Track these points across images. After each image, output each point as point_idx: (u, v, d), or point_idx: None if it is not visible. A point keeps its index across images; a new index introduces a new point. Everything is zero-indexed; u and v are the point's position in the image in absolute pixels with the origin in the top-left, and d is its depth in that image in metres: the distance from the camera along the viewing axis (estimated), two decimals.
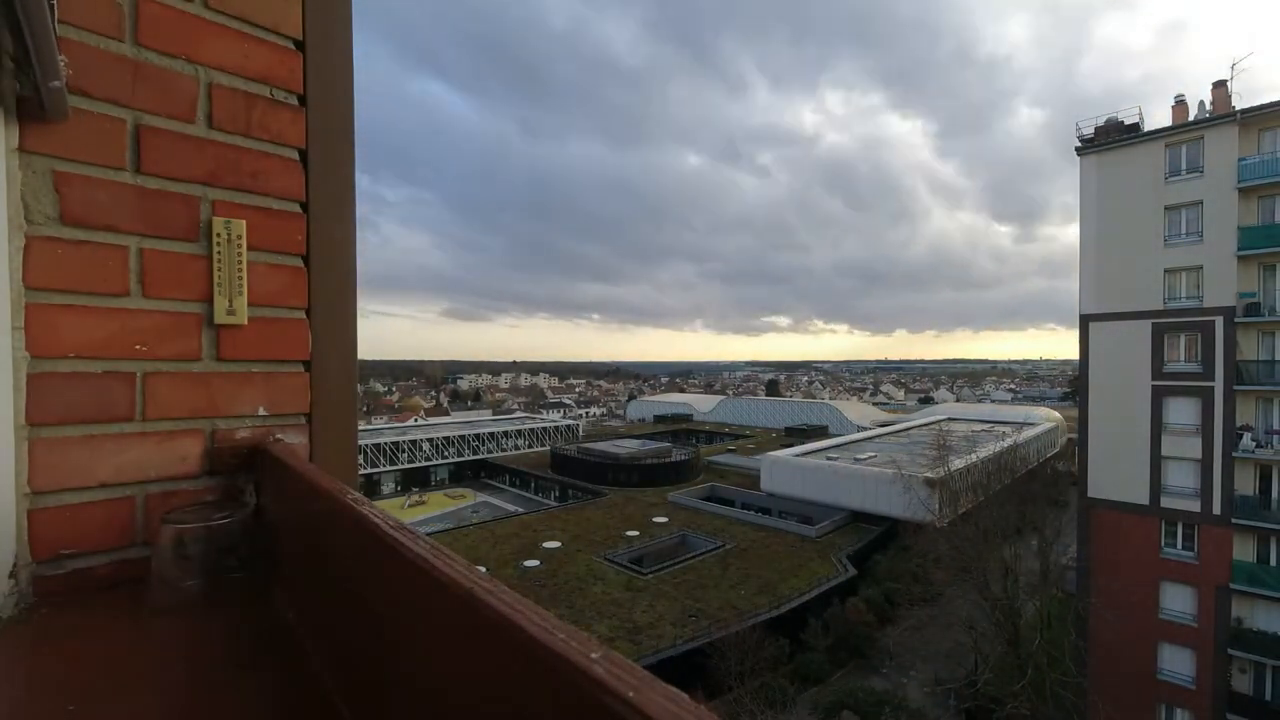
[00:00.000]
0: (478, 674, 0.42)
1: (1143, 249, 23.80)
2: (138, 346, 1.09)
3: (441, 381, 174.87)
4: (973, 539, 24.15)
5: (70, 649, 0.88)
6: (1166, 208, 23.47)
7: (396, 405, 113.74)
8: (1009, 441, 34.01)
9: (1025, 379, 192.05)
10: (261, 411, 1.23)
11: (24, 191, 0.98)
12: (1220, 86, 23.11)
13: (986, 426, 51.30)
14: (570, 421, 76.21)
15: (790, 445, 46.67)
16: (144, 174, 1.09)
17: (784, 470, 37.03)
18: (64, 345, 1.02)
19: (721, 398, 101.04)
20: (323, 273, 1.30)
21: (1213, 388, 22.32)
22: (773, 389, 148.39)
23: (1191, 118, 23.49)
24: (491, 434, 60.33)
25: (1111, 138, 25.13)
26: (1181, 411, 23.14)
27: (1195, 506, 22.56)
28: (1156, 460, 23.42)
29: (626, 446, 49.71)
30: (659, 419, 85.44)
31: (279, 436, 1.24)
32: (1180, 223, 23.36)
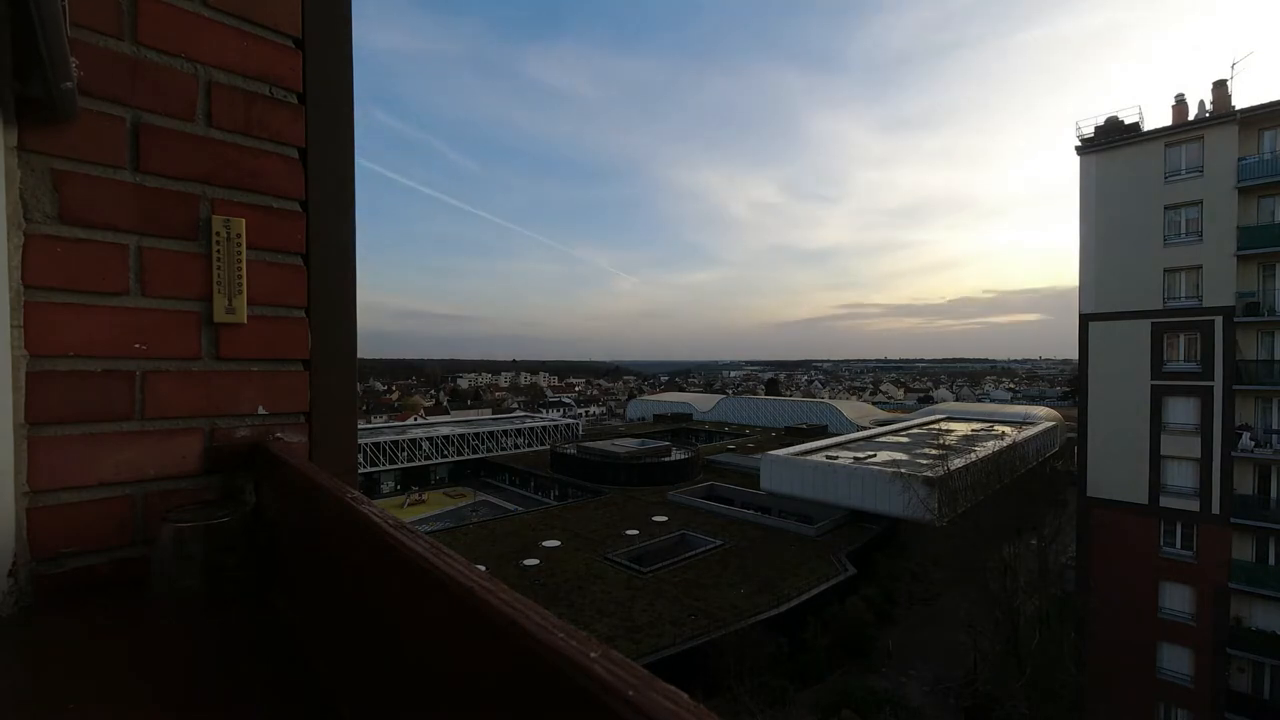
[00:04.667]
0: (477, 673, 0.42)
1: (1142, 249, 23.83)
2: (137, 345, 1.09)
3: (441, 380, 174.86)
4: (972, 538, 24.18)
5: (70, 648, 0.88)
6: (1166, 207, 23.49)
7: (396, 404, 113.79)
8: (1008, 440, 34.06)
9: (1025, 378, 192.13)
10: (261, 410, 1.23)
11: (23, 190, 0.98)
12: (1220, 86, 23.12)
13: (986, 425, 51.35)
14: (570, 420, 76.16)
15: (790, 444, 46.65)
16: (143, 172, 1.09)
17: (783, 469, 37.01)
18: (63, 344, 1.02)
19: (721, 397, 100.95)
20: (322, 271, 1.30)
21: (1212, 387, 22.36)
22: (772, 388, 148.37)
23: (1191, 117, 23.51)
24: (491, 433, 60.28)
25: (1111, 137, 25.15)
26: (1181, 411, 23.17)
27: (1194, 506, 22.60)
28: (1155, 460, 23.46)
29: (626, 445, 49.66)
30: (658, 418, 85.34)
31: (279, 435, 1.24)
32: (1180, 222, 23.38)
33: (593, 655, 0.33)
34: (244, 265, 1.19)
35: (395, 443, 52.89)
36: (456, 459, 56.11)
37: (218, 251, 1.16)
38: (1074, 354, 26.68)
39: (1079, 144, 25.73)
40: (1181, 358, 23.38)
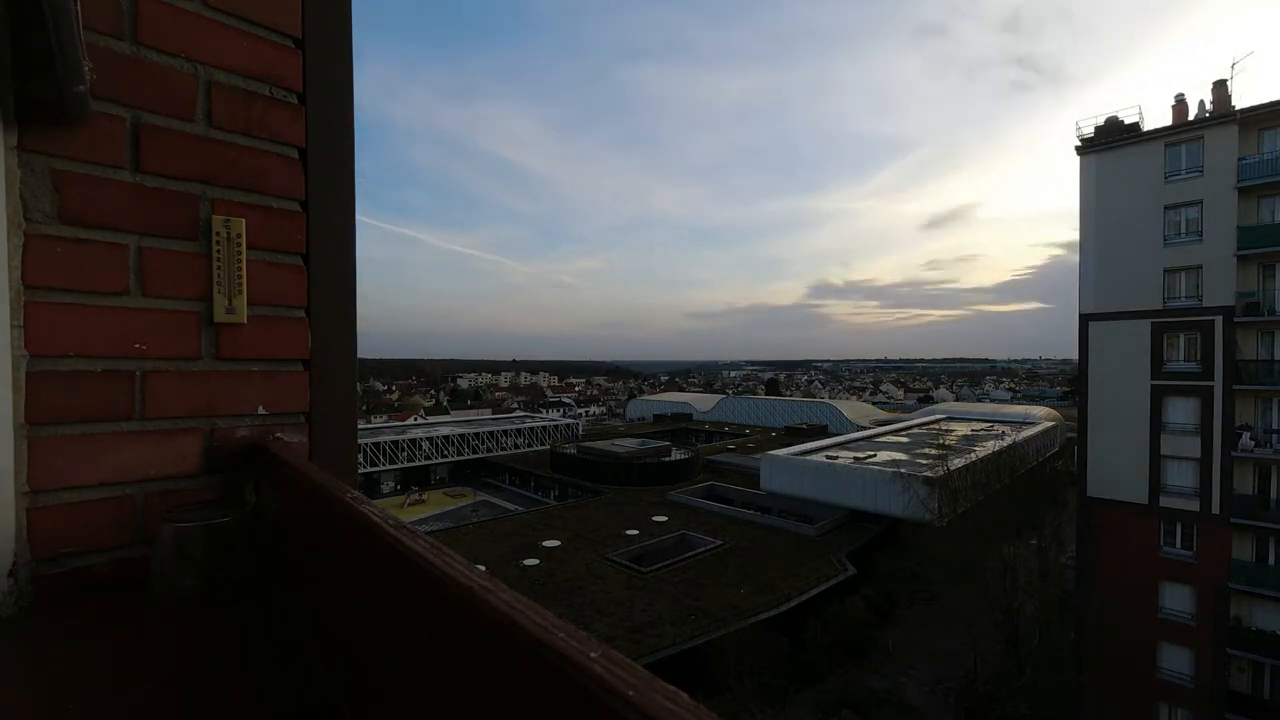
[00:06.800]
0: (477, 673, 0.42)
1: (1142, 249, 23.84)
2: (137, 345, 1.09)
3: (441, 380, 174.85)
4: (972, 538, 24.20)
5: (70, 648, 0.88)
6: (1166, 207, 23.50)
7: (396, 404, 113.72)
8: (1008, 440, 34.08)
9: (1025, 378, 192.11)
10: (261, 410, 1.23)
11: (23, 190, 0.98)
12: (1220, 86, 23.12)
13: (986, 425, 51.34)
14: (570, 420, 76.14)
15: (790, 444, 46.62)
16: (143, 172, 1.09)
17: (783, 469, 37.00)
18: (63, 344, 1.02)
19: (721, 397, 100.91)
20: (322, 271, 1.30)
21: (1212, 387, 22.36)
22: (772, 388, 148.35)
23: (1191, 117, 23.51)
24: (491, 433, 60.28)
25: (1111, 137, 25.15)
26: (1181, 411, 23.18)
27: (1194, 506, 22.61)
28: (1156, 459, 23.46)
29: (626, 445, 49.63)
30: (658, 418, 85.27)
31: (279, 435, 1.24)
32: (1180, 222, 23.39)
33: (593, 655, 0.33)
34: (244, 265, 1.19)
35: (395, 443, 52.85)
36: (456, 459, 56.08)
37: (218, 251, 1.16)
38: (1074, 353, 26.70)
39: (1079, 144, 25.74)
40: (1181, 358, 23.38)
